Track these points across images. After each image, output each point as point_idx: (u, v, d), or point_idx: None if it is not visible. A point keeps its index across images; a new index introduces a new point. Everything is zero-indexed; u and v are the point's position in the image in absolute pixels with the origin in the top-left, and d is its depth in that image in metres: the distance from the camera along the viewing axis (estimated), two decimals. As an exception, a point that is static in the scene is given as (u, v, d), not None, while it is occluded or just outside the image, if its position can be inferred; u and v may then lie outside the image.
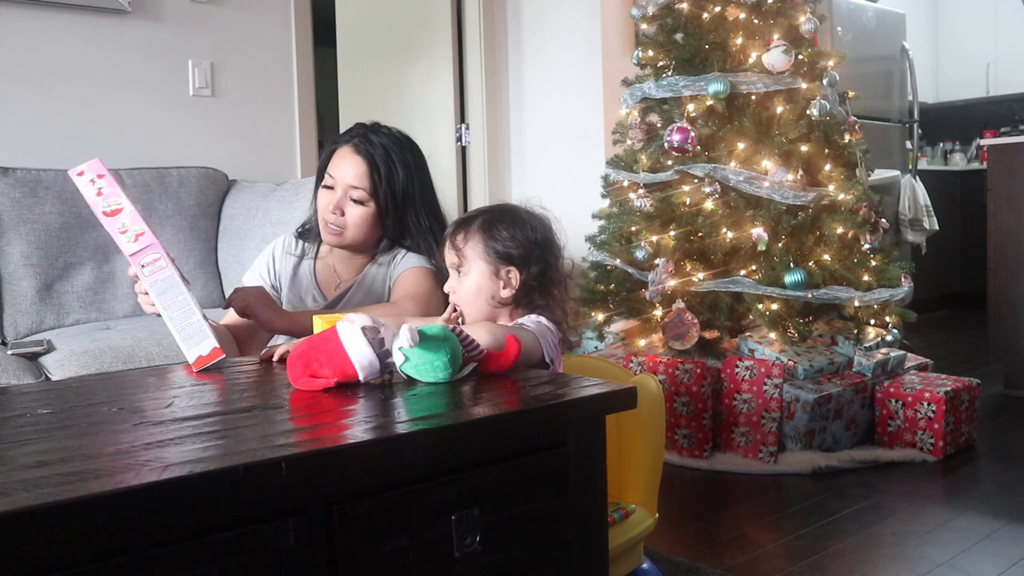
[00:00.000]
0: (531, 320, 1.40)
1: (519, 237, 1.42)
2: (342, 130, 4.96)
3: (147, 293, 1.43)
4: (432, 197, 1.83)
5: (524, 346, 1.27)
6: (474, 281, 1.43)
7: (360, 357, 1.15)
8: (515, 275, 1.41)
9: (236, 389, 1.26)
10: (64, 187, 2.73)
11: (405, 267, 1.77)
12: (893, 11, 5.32)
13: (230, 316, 1.86)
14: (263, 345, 1.75)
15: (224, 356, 1.40)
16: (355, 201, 1.75)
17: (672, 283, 2.81)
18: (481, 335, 1.26)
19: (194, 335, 1.39)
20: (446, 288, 1.47)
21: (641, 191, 3.00)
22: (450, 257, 1.46)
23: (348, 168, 1.75)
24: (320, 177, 1.80)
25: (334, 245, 1.81)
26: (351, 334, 1.15)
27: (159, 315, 1.43)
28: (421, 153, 1.84)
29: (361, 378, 1.16)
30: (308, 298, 1.85)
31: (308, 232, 1.89)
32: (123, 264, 2.78)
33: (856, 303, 2.80)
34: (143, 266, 1.39)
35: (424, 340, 1.16)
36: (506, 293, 1.42)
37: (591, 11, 3.86)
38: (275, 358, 1.44)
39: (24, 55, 2.99)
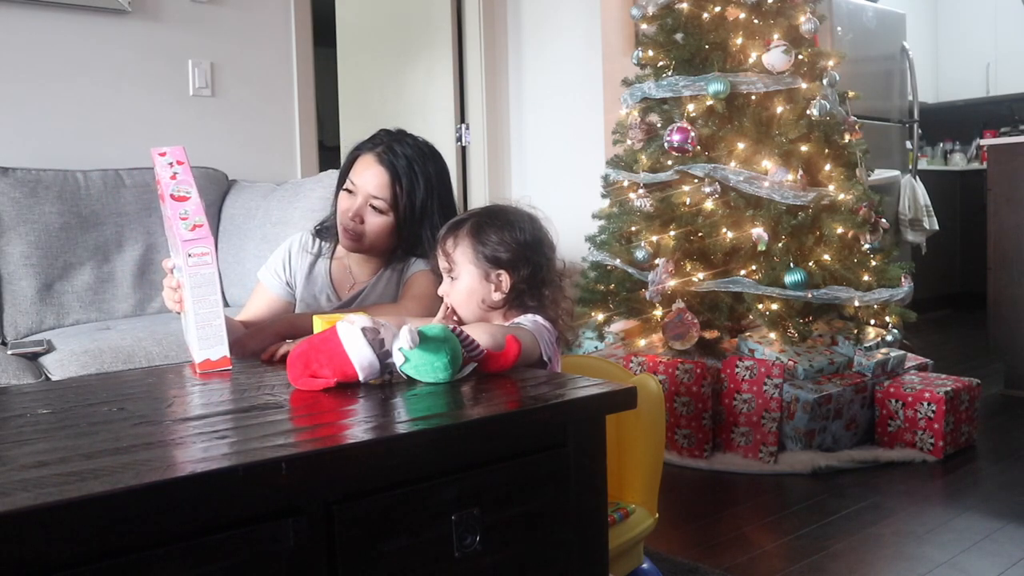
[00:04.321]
0: (528, 319, 1.41)
1: (508, 240, 1.41)
2: (342, 131, 4.87)
3: (176, 289, 1.43)
4: (451, 207, 1.82)
5: (523, 346, 1.27)
6: (465, 285, 1.43)
7: (360, 358, 1.15)
8: (505, 278, 1.42)
9: (236, 389, 1.25)
10: (64, 187, 2.73)
11: (414, 270, 1.78)
12: (893, 11, 5.31)
13: (247, 312, 1.86)
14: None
15: (230, 367, 1.40)
16: (375, 209, 1.74)
17: (672, 283, 2.81)
18: (481, 335, 1.26)
19: (211, 337, 1.39)
20: (440, 292, 1.48)
21: (641, 191, 3.00)
22: (442, 262, 1.46)
23: (370, 177, 1.74)
24: (342, 181, 1.80)
25: (351, 250, 1.81)
26: (351, 334, 1.15)
27: (179, 313, 1.43)
28: (444, 163, 1.83)
29: (361, 378, 1.16)
30: (322, 297, 1.85)
31: (326, 231, 1.89)
32: (123, 264, 2.78)
33: (856, 303, 2.80)
34: (190, 255, 1.39)
35: (424, 341, 1.16)
36: (496, 296, 1.42)
37: (591, 11, 3.86)
38: (275, 358, 1.45)
39: (24, 55, 2.99)
